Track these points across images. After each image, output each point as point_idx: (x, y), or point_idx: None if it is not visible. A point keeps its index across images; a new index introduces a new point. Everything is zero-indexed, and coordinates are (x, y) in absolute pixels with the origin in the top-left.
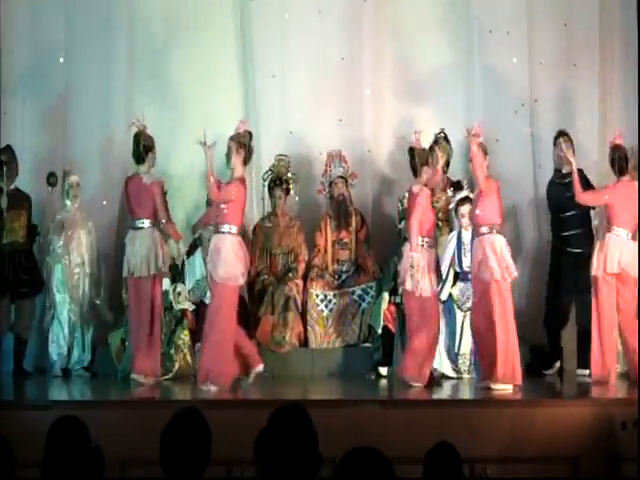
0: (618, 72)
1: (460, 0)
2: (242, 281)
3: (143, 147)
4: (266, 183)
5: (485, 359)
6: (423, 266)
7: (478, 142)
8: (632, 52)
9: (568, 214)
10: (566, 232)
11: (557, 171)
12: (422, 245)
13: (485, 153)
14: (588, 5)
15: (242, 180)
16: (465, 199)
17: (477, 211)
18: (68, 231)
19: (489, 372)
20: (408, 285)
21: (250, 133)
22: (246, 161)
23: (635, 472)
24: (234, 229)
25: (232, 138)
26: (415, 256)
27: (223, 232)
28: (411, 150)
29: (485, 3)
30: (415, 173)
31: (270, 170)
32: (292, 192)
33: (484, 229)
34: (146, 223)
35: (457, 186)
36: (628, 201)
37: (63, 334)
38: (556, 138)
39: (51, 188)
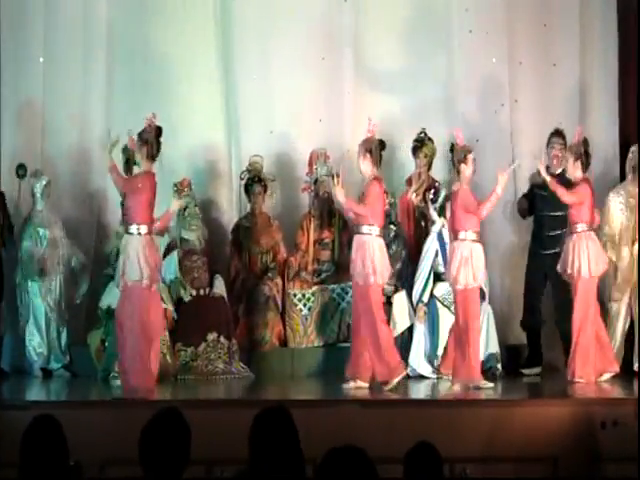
0: (598, 72)
1: (440, 0)
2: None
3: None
4: (243, 183)
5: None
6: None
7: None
8: (612, 52)
9: (554, 214)
10: (550, 232)
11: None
12: (471, 239)
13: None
14: (568, 6)
15: (148, 174)
16: (447, 198)
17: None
18: (41, 232)
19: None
20: (462, 279)
21: (159, 128)
22: (152, 156)
23: (616, 471)
24: (143, 229)
25: (138, 134)
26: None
27: (132, 233)
28: (452, 147)
29: (465, 3)
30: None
31: (247, 170)
32: (269, 191)
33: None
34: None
35: (435, 188)
36: (590, 198)
37: (40, 334)
38: (550, 137)
39: (20, 180)
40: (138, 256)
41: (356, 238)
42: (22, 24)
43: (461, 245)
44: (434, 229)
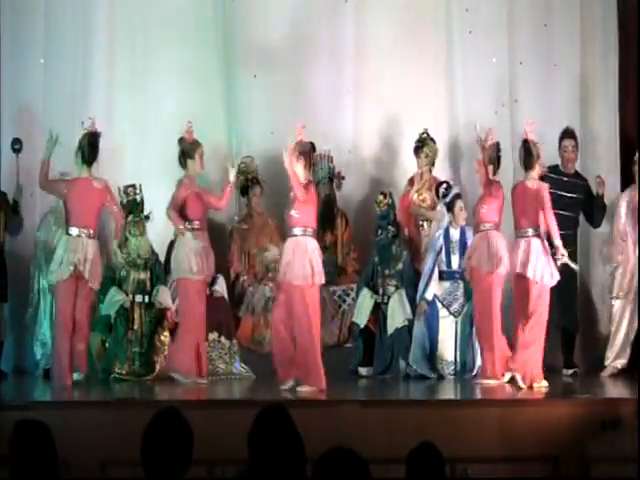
0: (599, 72)
1: (440, 0)
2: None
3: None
4: (238, 184)
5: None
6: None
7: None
8: (612, 52)
9: (561, 214)
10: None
11: (554, 167)
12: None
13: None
14: (568, 5)
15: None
16: (458, 196)
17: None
18: (57, 232)
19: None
20: (530, 273)
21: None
22: (86, 160)
23: (616, 472)
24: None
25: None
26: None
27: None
28: (525, 143)
29: (465, 4)
30: (527, 167)
31: (243, 171)
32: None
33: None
34: None
35: (448, 183)
36: (501, 199)
37: (46, 334)
38: (562, 139)
39: (17, 154)
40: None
41: (291, 240)
42: (22, 25)
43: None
44: (441, 225)
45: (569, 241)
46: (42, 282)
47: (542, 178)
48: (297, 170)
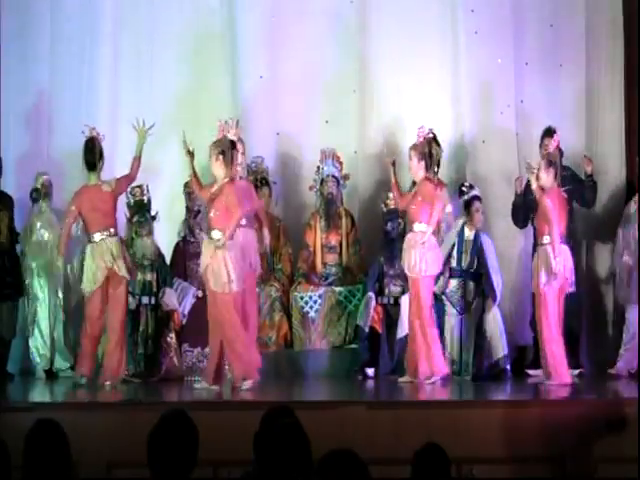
0: (605, 73)
1: (446, 1)
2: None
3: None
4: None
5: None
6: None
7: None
8: (618, 53)
9: None
10: None
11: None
12: None
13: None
14: (574, 6)
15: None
16: (476, 197)
17: None
18: (44, 232)
19: None
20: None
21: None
22: (89, 167)
23: (623, 472)
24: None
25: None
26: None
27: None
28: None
29: (471, 4)
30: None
31: (253, 171)
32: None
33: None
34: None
35: (470, 184)
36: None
37: (44, 335)
38: (543, 137)
39: (33, 204)
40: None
41: (207, 242)
42: (28, 24)
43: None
44: (458, 222)
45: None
46: (34, 287)
47: (529, 184)
48: (217, 170)
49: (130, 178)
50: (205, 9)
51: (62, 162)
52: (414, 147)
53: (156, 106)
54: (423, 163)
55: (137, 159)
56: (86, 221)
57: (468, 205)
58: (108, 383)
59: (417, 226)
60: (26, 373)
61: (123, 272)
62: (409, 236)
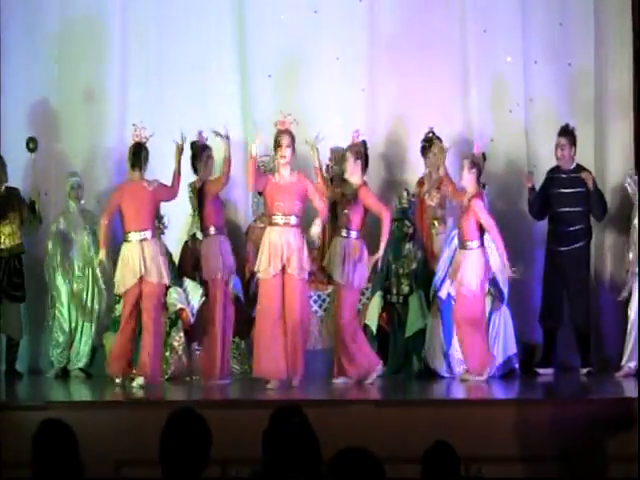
0: (614, 71)
1: None
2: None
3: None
4: None
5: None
6: None
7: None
8: (627, 51)
9: (571, 210)
10: (568, 228)
11: (552, 169)
12: None
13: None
14: (583, 4)
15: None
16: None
17: None
18: (70, 234)
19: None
20: None
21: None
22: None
23: (631, 472)
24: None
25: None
26: None
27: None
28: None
29: (479, 2)
30: None
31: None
32: None
33: None
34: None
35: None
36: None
37: (64, 334)
38: (558, 136)
39: (32, 154)
40: None
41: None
42: (36, 25)
43: None
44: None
45: (579, 235)
46: (57, 283)
47: (546, 181)
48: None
49: (172, 192)
50: (214, 8)
51: (70, 162)
52: (350, 147)
53: (164, 107)
54: (359, 163)
55: (177, 174)
56: (124, 217)
57: None
58: (119, 381)
59: (352, 233)
60: (35, 372)
61: (153, 277)
62: (343, 243)
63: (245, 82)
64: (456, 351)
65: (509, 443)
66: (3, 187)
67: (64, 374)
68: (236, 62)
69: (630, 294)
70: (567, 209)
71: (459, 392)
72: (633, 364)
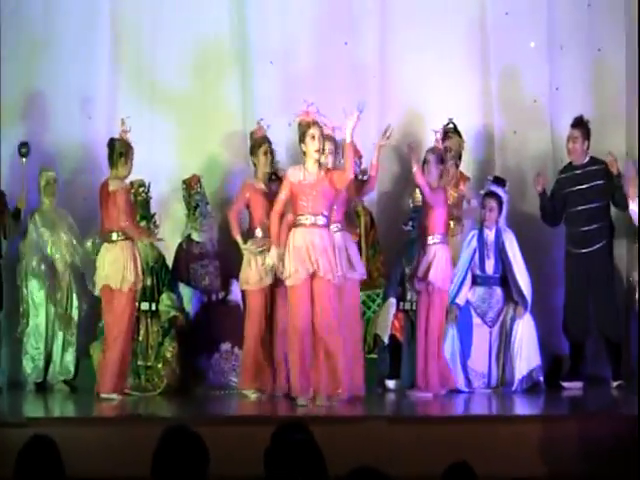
0: None
1: None
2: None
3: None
4: None
5: None
6: None
7: None
8: None
9: (586, 207)
10: (584, 227)
11: (565, 167)
12: None
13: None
14: None
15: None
16: (490, 193)
17: None
18: (45, 233)
19: None
20: None
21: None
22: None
23: None
24: None
25: None
26: None
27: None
28: None
29: None
30: None
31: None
32: None
33: None
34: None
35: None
36: None
37: (37, 345)
38: (571, 128)
39: (24, 159)
40: None
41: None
42: (25, 17)
43: None
44: (477, 225)
45: (598, 234)
46: (31, 292)
47: (557, 182)
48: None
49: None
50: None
51: (59, 158)
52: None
53: (159, 96)
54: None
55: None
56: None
57: (483, 202)
58: (105, 396)
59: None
60: (14, 386)
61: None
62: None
63: (246, 69)
64: (477, 363)
65: (533, 463)
66: None
67: (44, 387)
68: (237, 48)
69: None
70: (583, 207)
71: (478, 407)
72: None
